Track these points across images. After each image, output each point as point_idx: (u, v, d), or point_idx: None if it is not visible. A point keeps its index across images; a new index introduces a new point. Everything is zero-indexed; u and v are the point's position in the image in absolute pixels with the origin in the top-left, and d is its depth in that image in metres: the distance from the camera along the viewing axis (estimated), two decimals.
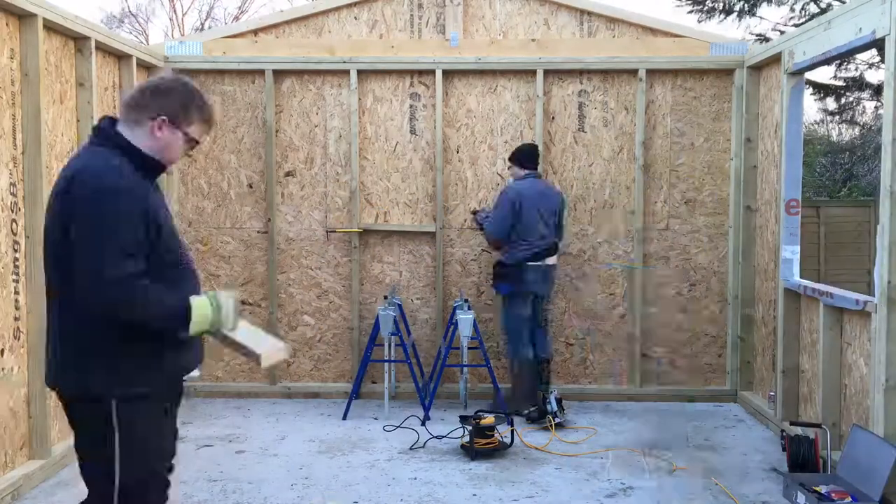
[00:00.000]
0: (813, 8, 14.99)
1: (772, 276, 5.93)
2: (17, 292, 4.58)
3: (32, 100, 4.66)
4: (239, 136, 6.57)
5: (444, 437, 5.47)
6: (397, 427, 5.73)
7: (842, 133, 21.66)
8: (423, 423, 5.79)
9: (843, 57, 5.86)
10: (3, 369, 4.44)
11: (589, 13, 6.54)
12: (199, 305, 2.62)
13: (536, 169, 6.13)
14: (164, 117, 2.67)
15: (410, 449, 5.32)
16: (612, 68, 6.48)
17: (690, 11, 15.70)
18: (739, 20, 15.65)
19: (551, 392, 5.93)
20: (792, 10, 15.37)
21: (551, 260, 6.12)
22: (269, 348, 2.78)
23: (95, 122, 5.53)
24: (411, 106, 6.58)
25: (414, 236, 6.61)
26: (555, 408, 5.77)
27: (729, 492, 4.56)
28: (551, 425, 5.68)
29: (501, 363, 6.59)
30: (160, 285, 2.59)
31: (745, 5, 15.48)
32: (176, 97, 2.70)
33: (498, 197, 6.12)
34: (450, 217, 6.59)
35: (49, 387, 2.73)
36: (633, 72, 6.47)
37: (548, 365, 6.21)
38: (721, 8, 15.56)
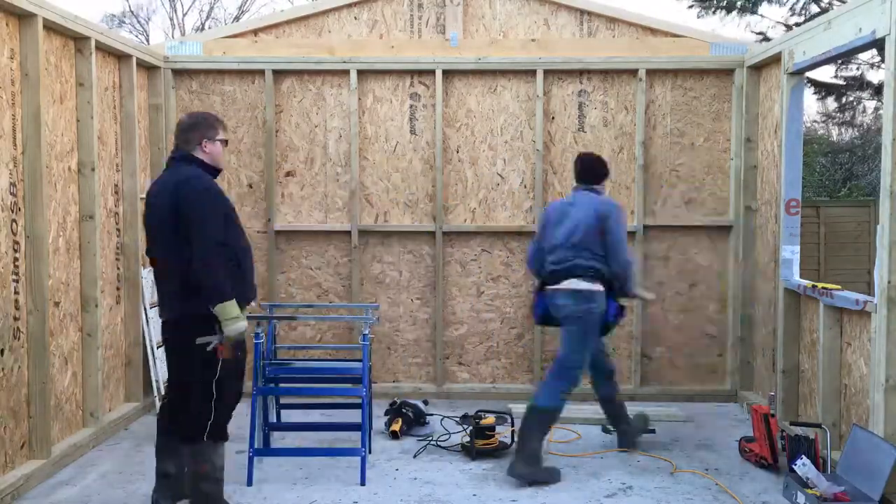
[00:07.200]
0: (814, 8, 15.00)
1: (772, 276, 5.93)
2: (17, 292, 4.58)
3: (32, 100, 4.66)
4: (239, 136, 6.57)
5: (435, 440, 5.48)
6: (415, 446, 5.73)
7: (842, 133, 21.67)
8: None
9: (844, 57, 5.85)
10: (2, 369, 4.44)
11: (589, 13, 6.55)
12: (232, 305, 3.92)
13: (591, 183, 5.14)
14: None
15: (417, 451, 5.33)
16: (611, 68, 6.48)
17: (691, 6, 15.71)
18: (740, 17, 15.66)
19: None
20: (792, 9, 15.39)
21: (567, 284, 4.92)
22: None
23: (96, 122, 5.54)
24: (411, 106, 6.58)
25: (414, 236, 6.61)
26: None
27: (730, 490, 4.57)
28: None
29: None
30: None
31: (746, 3, 15.48)
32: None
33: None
34: (450, 217, 6.59)
35: None
36: (633, 72, 6.47)
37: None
38: (722, 4, 15.56)
